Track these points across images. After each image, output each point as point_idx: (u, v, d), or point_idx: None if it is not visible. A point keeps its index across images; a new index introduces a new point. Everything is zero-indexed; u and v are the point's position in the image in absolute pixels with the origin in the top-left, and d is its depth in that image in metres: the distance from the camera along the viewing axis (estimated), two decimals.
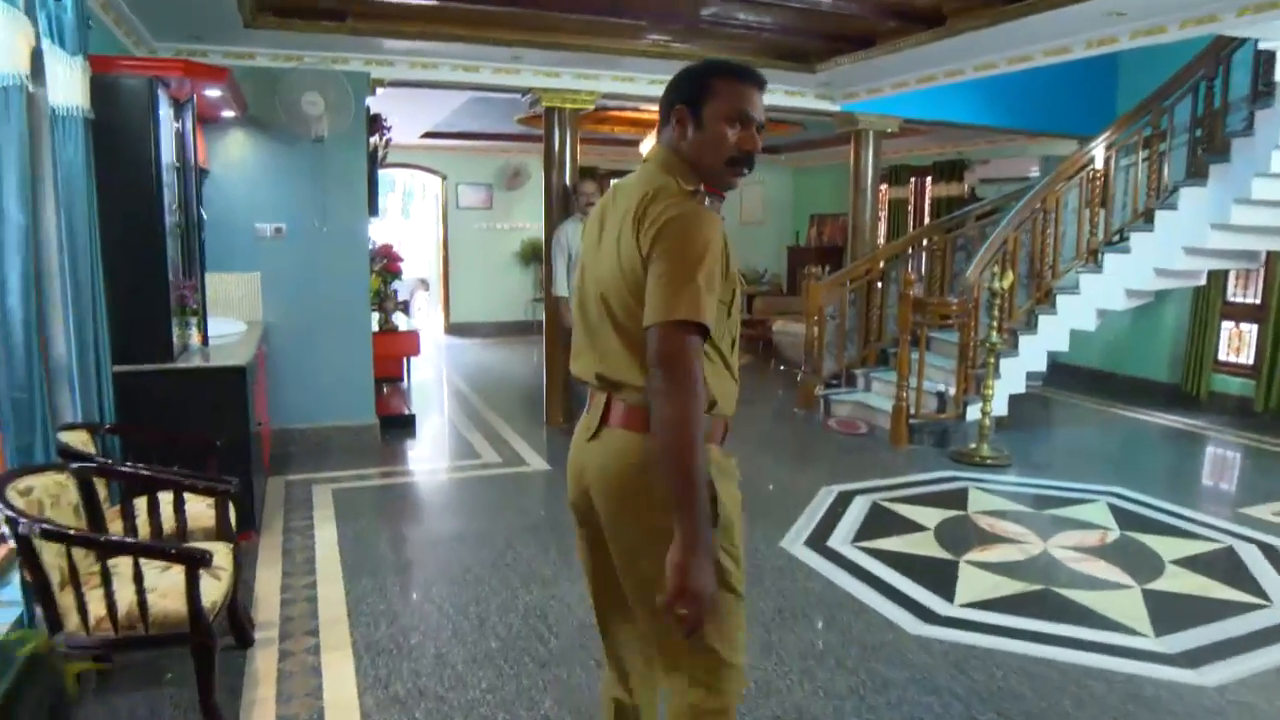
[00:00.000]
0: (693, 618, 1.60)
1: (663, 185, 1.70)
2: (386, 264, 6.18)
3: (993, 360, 5.70)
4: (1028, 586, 3.76)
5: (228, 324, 5.05)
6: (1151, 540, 4.33)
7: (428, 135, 10.54)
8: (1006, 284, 5.60)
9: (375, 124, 5.84)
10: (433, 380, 8.75)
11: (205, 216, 5.49)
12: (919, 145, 10.69)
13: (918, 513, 4.68)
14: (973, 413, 6.24)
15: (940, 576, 3.86)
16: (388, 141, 6.24)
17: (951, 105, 7.49)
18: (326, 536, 4.26)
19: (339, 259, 5.83)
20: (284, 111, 5.40)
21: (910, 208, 11.40)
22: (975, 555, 4.10)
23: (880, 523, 4.55)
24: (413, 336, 6.35)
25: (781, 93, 6.71)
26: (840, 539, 4.30)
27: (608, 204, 1.83)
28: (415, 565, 3.97)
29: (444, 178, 11.80)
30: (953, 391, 6.31)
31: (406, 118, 8.74)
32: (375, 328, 6.46)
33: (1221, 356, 7.74)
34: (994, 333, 5.65)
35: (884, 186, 11.10)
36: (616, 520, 1.77)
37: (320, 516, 4.56)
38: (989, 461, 5.64)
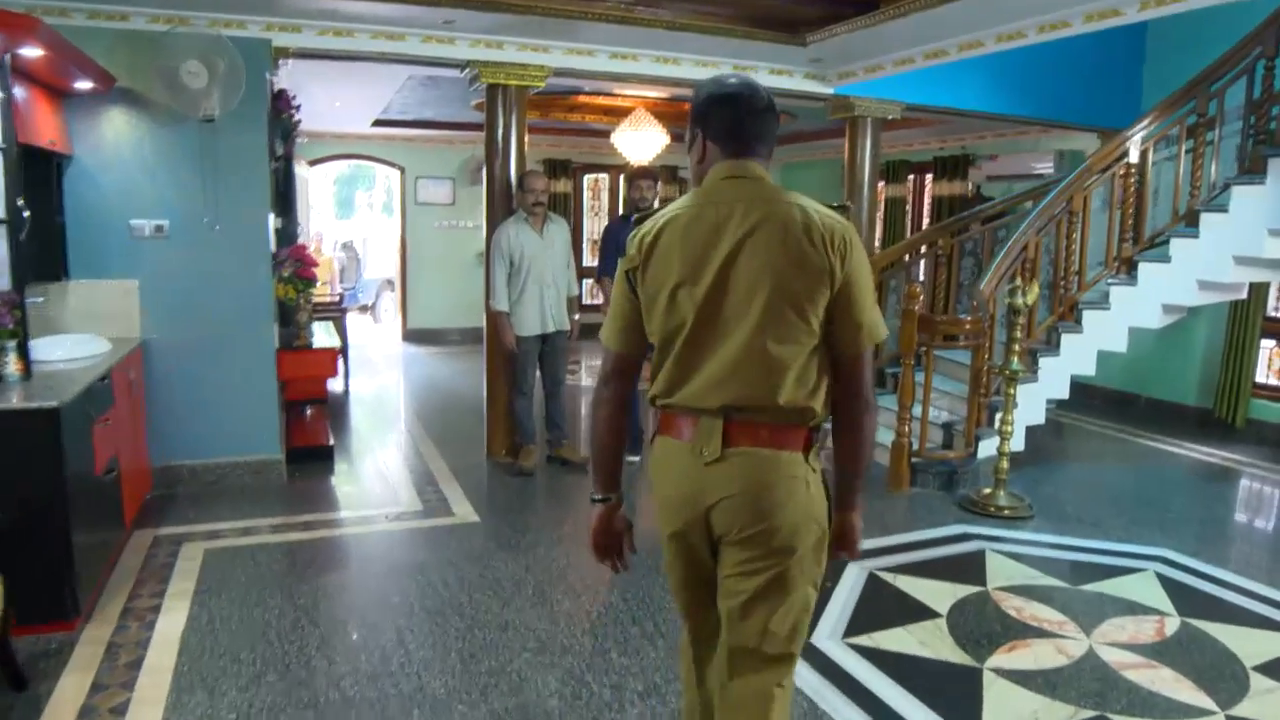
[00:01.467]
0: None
1: (806, 200, 1.79)
2: (298, 269, 5.23)
3: (1012, 391, 4.78)
4: (1076, 714, 2.84)
5: (84, 343, 4.09)
6: (1221, 632, 3.42)
7: (381, 124, 9.59)
8: (1030, 300, 4.68)
9: (281, 103, 4.89)
10: (374, 397, 7.79)
11: (65, 211, 4.55)
12: (919, 138, 9.78)
13: (925, 589, 3.76)
14: (985, 448, 5.33)
15: (960, 695, 2.94)
16: (296, 124, 5.28)
17: (960, 90, 6.57)
18: (171, 626, 3.32)
19: (235, 263, 4.88)
20: (161, 84, 4.44)
21: (909, 207, 10.48)
22: (1003, 659, 3.18)
23: (879, 604, 3.63)
24: (327, 356, 5.40)
25: (766, 71, 5.78)
26: (828, 631, 3.37)
27: (714, 216, 1.77)
28: (268, 676, 3.01)
29: (402, 170, 10.83)
30: (962, 424, 5.40)
31: (350, 102, 7.79)
32: (284, 343, 5.50)
33: (1260, 379, 6.86)
34: (1014, 358, 4.73)
35: (880, 184, 10.18)
36: (773, 529, 1.77)
37: (175, 592, 3.61)
38: (1006, 513, 4.73)
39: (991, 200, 8.78)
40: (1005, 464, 4.83)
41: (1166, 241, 5.58)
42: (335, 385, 8.04)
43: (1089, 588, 3.82)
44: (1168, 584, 3.88)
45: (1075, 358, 5.63)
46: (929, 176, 10.12)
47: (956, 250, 6.66)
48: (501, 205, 5.40)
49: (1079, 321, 5.66)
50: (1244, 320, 6.68)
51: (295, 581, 3.76)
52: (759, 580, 1.79)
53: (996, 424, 5.33)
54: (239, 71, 4.50)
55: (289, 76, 6.31)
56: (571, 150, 11.28)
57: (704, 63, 5.59)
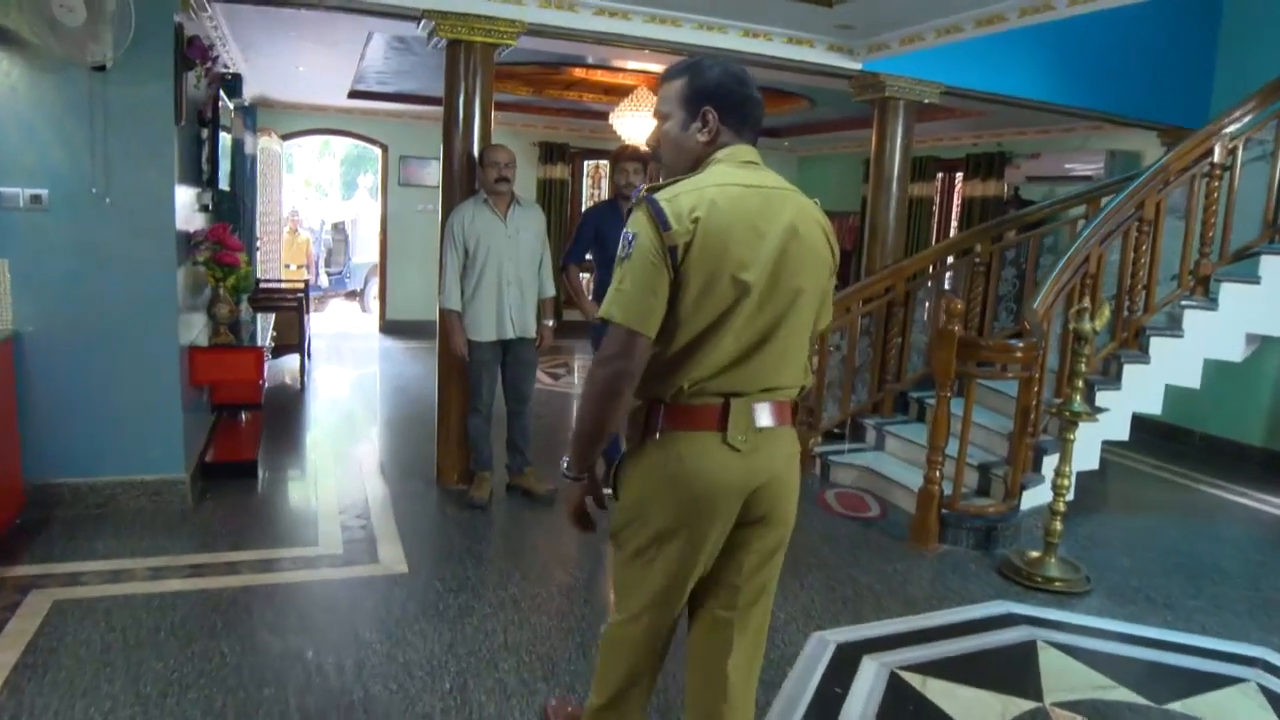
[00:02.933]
0: None
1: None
2: (216, 254, 4.38)
3: (1071, 437, 3.89)
4: None
5: None
6: None
7: (360, 95, 8.72)
8: (1100, 324, 3.78)
9: (192, 51, 4.02)
10: (331, 400, 6.93)
11: None
12: (949, 132, 8.88)
13: (964, 702, 2.88)
14: (1029, 498, 4.45)
15: None
16: (227, 80, 4.40)
17: (1007, 74, 5.69)
18: None
19: (130, 243, 4.02)
20: (31, 19, 3.58)
21: (935, 209, 9.57)
22: None
23: None
24: (248, 358, 4.54)
25: (781, 40, 4.89)
26: None
27: (757, 201, 1.77)
28: None
29: (384, 148, 9.96)
30: (1002, 468, 4.51)
31: (314, 67, 6.93)
32: (205, 340, 4.66)
33: None
34: (1077, 396, 3.84)
35: None
36: (791, 499, 1.94)
37: None
38: (1058, 585, 3.84)
39: (1034, 204, 7.90)
40: (1058, 524, 3.94)
41: (1255, 258, 4.68)
42: (293, 384, 7.20)
43: (1176, 707, 2.93)
44: (1277, 703, 3.00)
45: (1139, 393, 4.74)
46: (959, 175, 9.22)
47: (996, 259, 5.76)
48: (462, 185, 4.52)
49: (1145, 349, 4.78)
50: None
51: (150, 656, 2.91)
52: (775, 555, 1.98)
53: (1045, 470, 4.48)
54: (128, 8, 3.64)
55: (234, 33, 5.47)
56: (570, 134, 10.41)
57: (708, 25, 4.70)
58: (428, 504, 4.52)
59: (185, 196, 4.37)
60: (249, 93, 7.93)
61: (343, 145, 23.78)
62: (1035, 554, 4.02)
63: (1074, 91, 6.01)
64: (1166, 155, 4.69)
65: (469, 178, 4.50)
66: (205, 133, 4.76)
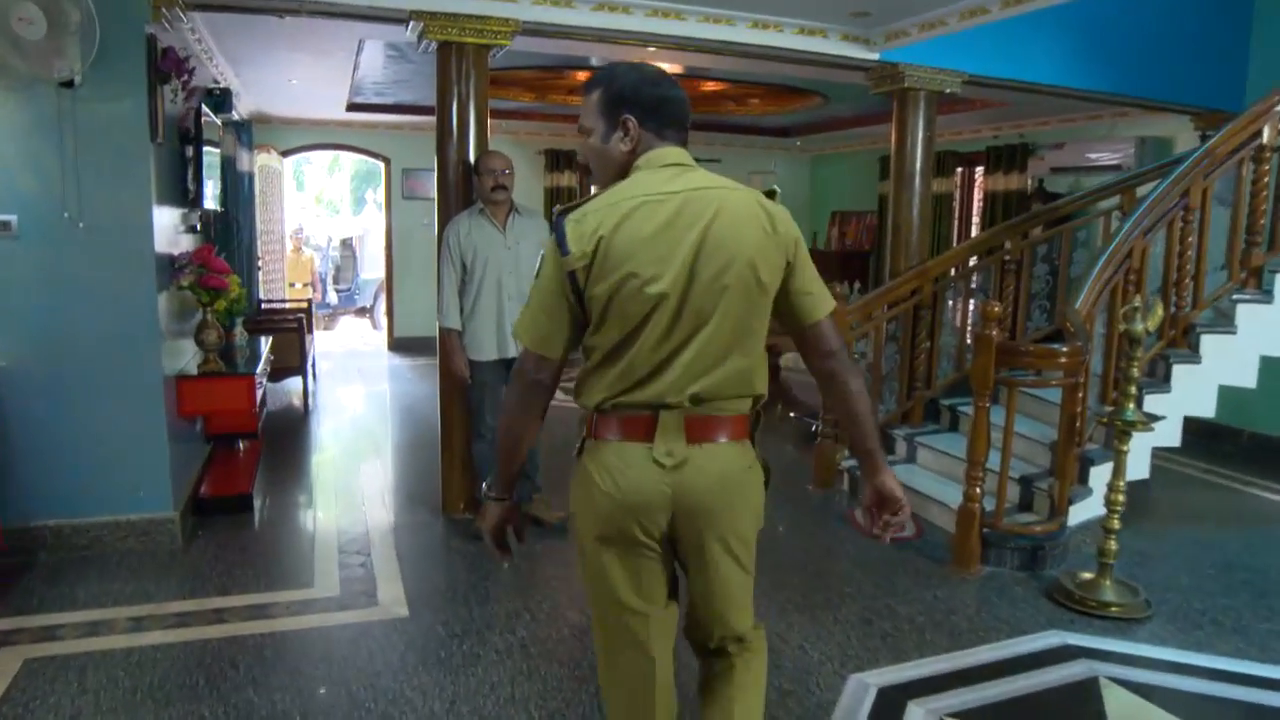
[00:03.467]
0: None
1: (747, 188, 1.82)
2: (201, 278, 4.13)
3: (1125, 448, 3.57)
4: None
5: None
6: None
7: (359, 108, 8.50)
8: (1154, 324, 3.46)
9: (166, 63, 3.78)
10: (336, 423, 6.68)
11: None
12: (969, 124, 8.56)
13: None
14: (1077, 513, 4.13)
15: None
16: (190, 92, 4.16)
17: (1031, 60, 5.38)
18: None
19: (107, 270, 3.77)
20: None
21: (956, 205, 9.25)
22: None
23: None
24: (239, 386, 4.28)
25: (792, 31, 4.60)
26: None
27: (672, 206, 1.71)
28: None
29: (386, 161, 9.74)
30: (1045, 481, 4.20)
31: (307, 80, 6.70)
32: (194, 369, 4.41)
33: None
34: (1129, 404, 3.52)
35: None
36: (732, 515, 1.82)
37: None
38: (1114, 611, 3.52)
39: (1060, 196, 7.58)
40: (1113, 544, 3.62)
41: None
42: (295, 407, 6.97)
43: None
44: None
45: (1190, 395, 4.42)
46: (980, 169, 8.90)
47: (1028, 256, 5.44)
48: (458, 196, 4.27)
49: (1195, 348, 4.45)
50: None
51: None
52: (734, 583, 1.87)
53: (1092, 482, 4.16)
54: (92, 22, 3.40)
55: (219, 45, 5.24)
56: (575, 141, 10.08)
57: (714, 17, 4.42)
58: (432, 536, 4.25)
59: (167, 218, 4.13)
60: (244, 108, 7.73)
61: (352, 161, 23.73)
62: (1088, 576, 3.70)
63: (1102, 76, 5.69)
64: (1212, 139, 4.37)
65: (466, 188, 4.24)
66: (190, 150, 4.52)
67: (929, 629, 3.37)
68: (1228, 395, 4.77)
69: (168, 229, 4.15)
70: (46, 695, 2.79)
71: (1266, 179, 4.39)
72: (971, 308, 5.55)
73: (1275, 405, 5.98)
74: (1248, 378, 4.46)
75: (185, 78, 4.02)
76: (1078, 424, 3.93)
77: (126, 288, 3.82)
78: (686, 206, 1.70)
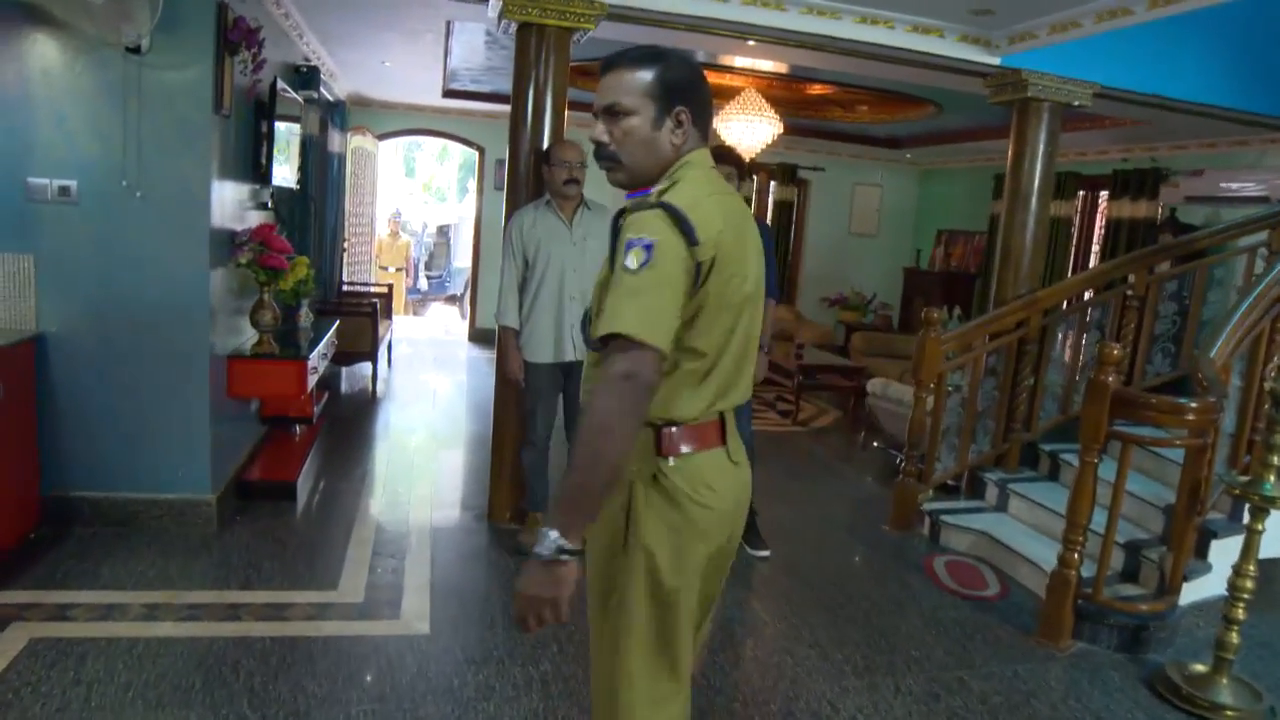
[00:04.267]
0: None
1: None
2: (260, 256, 4.00)
3: (1260, 528, 3.05)
4: None
5: None
6: None
7: (456, 95, 8.40)
8: None
9: (233, 33, 3.64)
10: (402, 412, 6.56)
11: None
12: (1094, 144, 7.91)
13: None
14: (1191, 591, 3.61)
15: None
16: (260, 64, 4.02)
17: (1176, 75, 4.81)
18: None
19: (162, 240, 3.67)
20: None
21: (1075, 230, 8.57)
22: None
23: None
24: (290, 370, 4.13)
25: (904, 28, 4.19)
26: None
27: (740, 215, 1.70)
28: None
29: (481, 150, 9.65)
30: (1154, 549, 3.69)
31: (399, 62, 6.60)
32: (247, 349, 4.29)
33: None
34: (1270, 477, 3.00)
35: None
36: None
37: None
38: (1228, 717, 3.01)
39: (1194, 228, 6.90)
40: (1234, 636, 3.10)
41: None
42: (366, 391, 6.89)
43: None
44: None
45: None
46: (1104, 194, 8.21)
47: (1154, 292, 4.87)
48: (528, 186, 4.02)
49: None
50: None
51: None
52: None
53: (1212, 557, 3.64)
54: None
55: (308, 22, 5.15)
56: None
57: (819, 9, 4.05)
58: (472, 545, 4.02)
59: (230, 192, 4.01)
60: (340, 89, 7.71)
61: (460, 150, 24.08)
62: (1200, 669, 3.19)
63: (1258, 96, 5.07)
64: None
65: (536, 179, 3.98)
66: (264, 126, 4.41)
67: (1004, 712, 2.94)
68: None
69: (230, 203, 4.03)
70: (40, 681, 2.64)
71: None
72: (1084, 344, 5.01)
73: None
74: None
75: (256, 49, 3.89)
76: (1201, 491, 3.41)
77: (180, 261, 3.71)
78: (744, 212, 1.72)
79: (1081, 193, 8.45)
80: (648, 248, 1.49)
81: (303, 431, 5.11)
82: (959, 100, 6.82)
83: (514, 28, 3.93)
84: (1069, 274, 8.18)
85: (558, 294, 3.75)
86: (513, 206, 4.03)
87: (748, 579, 3.87)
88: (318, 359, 4.55)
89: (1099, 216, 8.41)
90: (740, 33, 4.19)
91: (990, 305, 4.90)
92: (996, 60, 4.41)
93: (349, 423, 5.99)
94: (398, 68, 6.78)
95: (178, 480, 3.85)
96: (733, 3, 3.97)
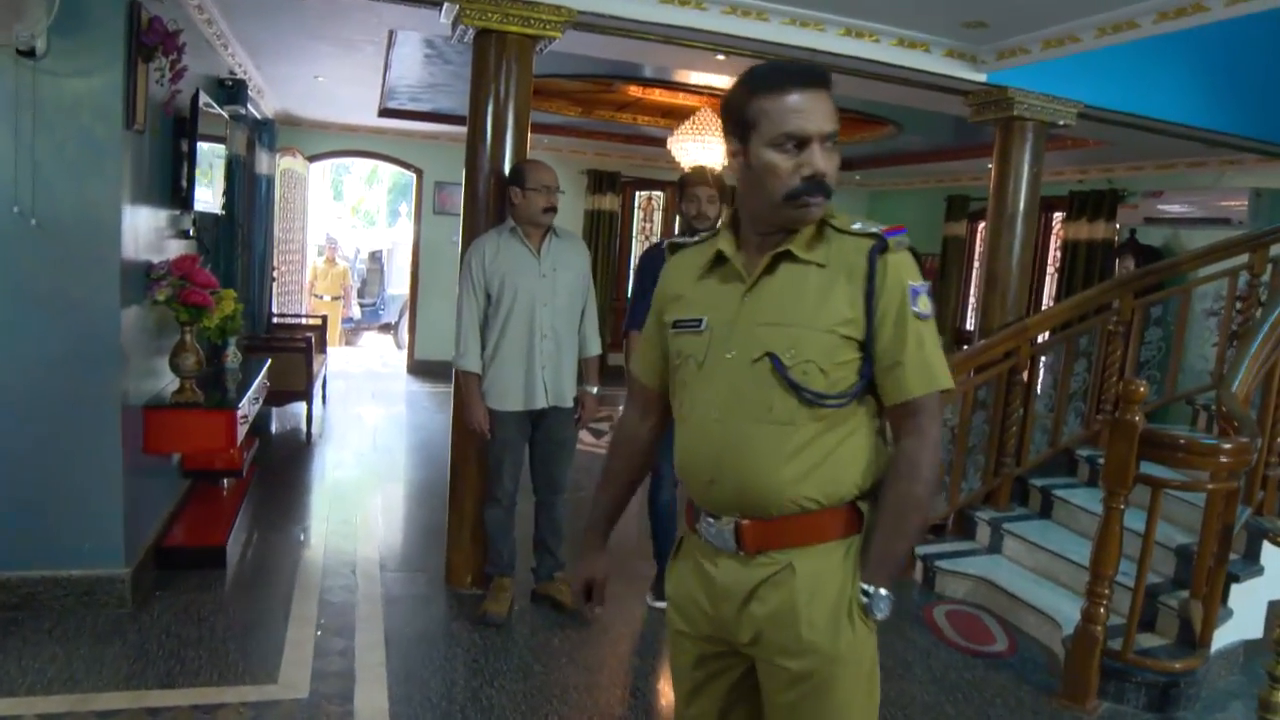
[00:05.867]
0: None
1: None
2: (180, 292, 3.51)
3: None
4: None
5: None
6: None
7: (392, 114, 7.94)
8: None
9: (148, 36, 3.17)
10: (338, 458, 6.03)
11: None
12: (1050, 165, 7.71)
13: None
14: (1215, 639, 3.36)
15: None
16: (179, 72, 3.54)
17: (1155, 95, 4.67)
18: None
19: (64, 277, 3.16)
20: None
21: (1033, 253, 8.46)
22: None
23: None
24: (218, 420, 3.63)
25: (890, 41, 3.92)
26: None
27: None
28: None
29: (419, 173, 9.18)
30: (1174, 596, 3.44)
31: (334, 77, 6.13)
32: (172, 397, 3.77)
33: None
34: None
35: (980, 223, 8.16)
36: None
37: None
38: None
39: (1155, 249, 6.84)
40: (1276, 697, 2.85)
41: None
42: (300, 434, 6.33)
43: None
44: None
45: None
46: (1059, 215, 8.14)
47: (1140, 318, 4.69)
48: (489, 210, 3.62)
49: None
50: None
51: None
52: None
53: (1233, 602, 3.41)
54: None
55: (233, 29, 4.67)
56: (622, 161, 9.55)
57: (801, 20, 3.76)
58: (431, 616, 3.55)
59: (145, 219, 3.51)
60: (267, 107, 7.18)
61: (390, 172, 23.40)
62: None
63: (1228, 116, 4.97)
64: None
65: (498, 202, 3.58)
66: (184, 145, 3.92)
67: None
68: None
69: (145, 232, 3.53)
70: None
71: None
72: (1059, 372, 4.80)
73: None
74: None
75: (175, 55, 3.41)
76: (1231, 535, 3.17)
77: (86, 299, 3.20)
78: None
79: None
80: (928, 294, 1.45)
81: (232, 485, 4.57)
82: (921, 120, 6.66)
83: (471, 35, 3.53)
84: (1028, 298, 8.08)
85: (527, 333, 3.35)
86: (471, 234, 3.62)
87: None
88: (249, 405, 4.05)
89: (1054, 239, 8.35)
90: (715, 45, 3.87)
91: (976, 334, 4.66)
92: (982, 77, 4.18)
93: (283, 472, 5.44)
94: (332, 83, 6.30)
95: (84, 553, 3.32)
96: (711, 11, 3.64)
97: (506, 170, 3.57)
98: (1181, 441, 3.03)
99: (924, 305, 1.43)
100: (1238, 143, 5.26)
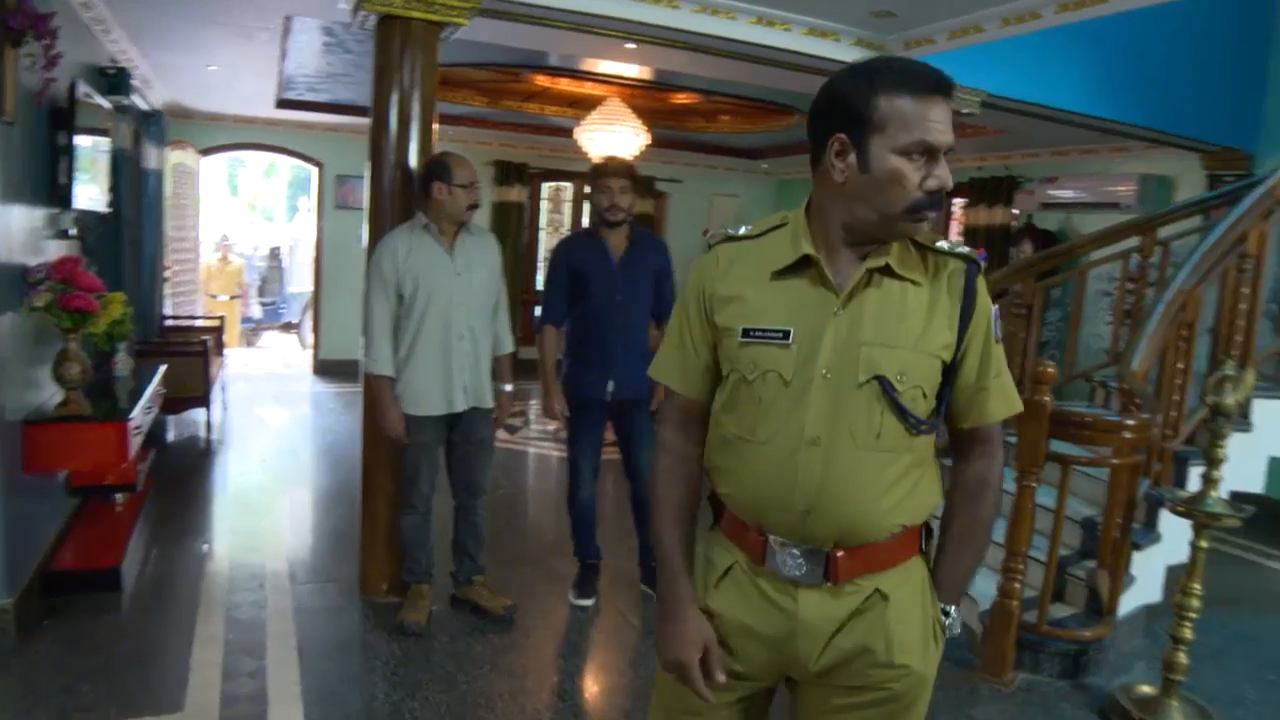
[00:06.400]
0: None
1: None
2: (62, 297, 3.27)
3: (1203, 544, 2.95)
4: None
5: None
6: None
7: (291, 105, 7.62)
8: (1243, 394, 2.86)
9: (15, 19, 2.93)
10: (243, 465, 5.76)
11: None
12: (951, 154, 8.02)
13: None
14: (1126, 603, 3.51)
15: None
16: (53, 59, 3.28)
17: (1053, 85, 4.84)
18: None
19: None
20: None
21: None
22: None
23: None
24: (107, 433, 3.40)
25: (801, 30, 3.94)
26: None
27: None
28: None
29: (320, 166, 8.84)
30: (1080, 567, 3.57)
31: (228, 66, 5.84)
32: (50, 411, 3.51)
33: None
34: (1212, 493, 2.90)
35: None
36: None
37: None
38: None
39: (1052, 234, 7.10)
40: (1183, 656, 2.98)
41: None
42: (199, 441, 6.04)
43: None
44: None
45: (1238, 467, 3.83)
46: (959, 202, 8.39)
47: (1040, 300, 4.85)
48: (395, 206, 3.48)
49: (1246, 416, 3.88)
50: None
51: None
52: None
53: (1136, 569, 3.56)
54: None
55: (115, 14, 4.37)
56: (529, 152, 9.41)
57: (713, 8, 3.74)
58: (346, 628, 3.41)
59: (16, 219, 3.25)
60: (156, 98, 6.80)
61: (290, 166, 22.60)
62: (1147, 690, 3.07)
63: (1120, 106, 5.18)
64: (1273, 179, 3.82)
65: (405, 197, 3.45)
66: (62, 138, 3.65)
67: None
68: None
69: (19, 233, 3.27)
70: None
71: None
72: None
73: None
74: None
75: (48, 40, 3.16)
76: (1135, 508, 3.30)
77: None
78: None
79: None
80: (996, 316, 1.44)
81: (125, 501, 4.30)
82: None
83: (372, 22, 3.38)
84: None
85: (443, 334, 3.23)
86: (376, 231, 3.48)
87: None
88: (142, 415, 3.81)
89: (954, 224, 8.60)
90: (627, 33, 3.82)
91: None
92: None
93: (182, 483, 5.16)
94: (226, 73, 6.00)
95: None
96: None
97: (413, 163, 3.44)
98: (1089, 420, 3.14)
99: (999, 330, 1.43)
100: (1127, 130, 5.49)
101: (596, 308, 3.55)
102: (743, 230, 1.48)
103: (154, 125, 6.32)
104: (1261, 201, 3.76)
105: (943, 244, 1.40)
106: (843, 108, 1.34)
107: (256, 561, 4.00)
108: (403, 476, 3.38)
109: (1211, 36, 5.54)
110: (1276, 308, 4.06)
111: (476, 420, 3.36)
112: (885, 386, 1.32)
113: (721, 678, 1.42)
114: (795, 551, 1.37)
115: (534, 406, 7.67)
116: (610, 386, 3.56)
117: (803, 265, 1.38)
